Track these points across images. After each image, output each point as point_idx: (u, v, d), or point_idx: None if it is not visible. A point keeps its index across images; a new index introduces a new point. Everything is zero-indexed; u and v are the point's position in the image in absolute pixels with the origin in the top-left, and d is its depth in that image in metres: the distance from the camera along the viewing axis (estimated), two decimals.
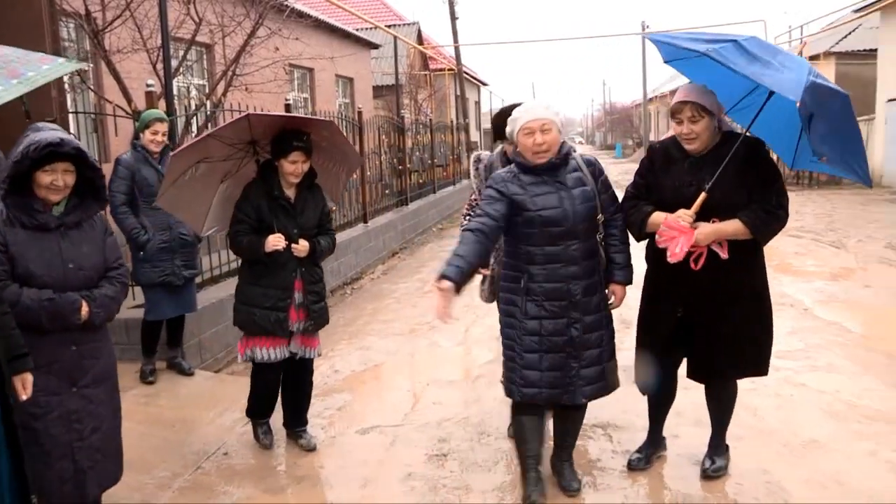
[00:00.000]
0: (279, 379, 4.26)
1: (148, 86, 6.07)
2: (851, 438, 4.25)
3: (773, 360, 3.71)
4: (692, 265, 3.42)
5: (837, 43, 22.08)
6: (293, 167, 3.94)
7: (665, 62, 3.82)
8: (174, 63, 7.16)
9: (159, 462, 4.21)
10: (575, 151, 3.63)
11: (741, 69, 3.11)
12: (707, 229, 3.37)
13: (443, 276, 3.16)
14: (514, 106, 4.05)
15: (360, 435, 4.61)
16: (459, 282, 3.22)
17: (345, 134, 10.10)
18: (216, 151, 4.00)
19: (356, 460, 4.25)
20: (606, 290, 3.61)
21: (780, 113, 3.55)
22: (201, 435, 4.63)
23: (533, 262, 3.44)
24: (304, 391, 4.39)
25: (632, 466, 3.94)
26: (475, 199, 4.25)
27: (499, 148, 4.19)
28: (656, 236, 3.45)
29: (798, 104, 3.02)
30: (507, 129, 3.58)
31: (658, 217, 3.47)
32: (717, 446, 3.86)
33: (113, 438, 3.24)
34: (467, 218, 4.25)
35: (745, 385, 3.83)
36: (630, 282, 3.63)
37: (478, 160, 4.32)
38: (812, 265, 9.43)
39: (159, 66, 6.80)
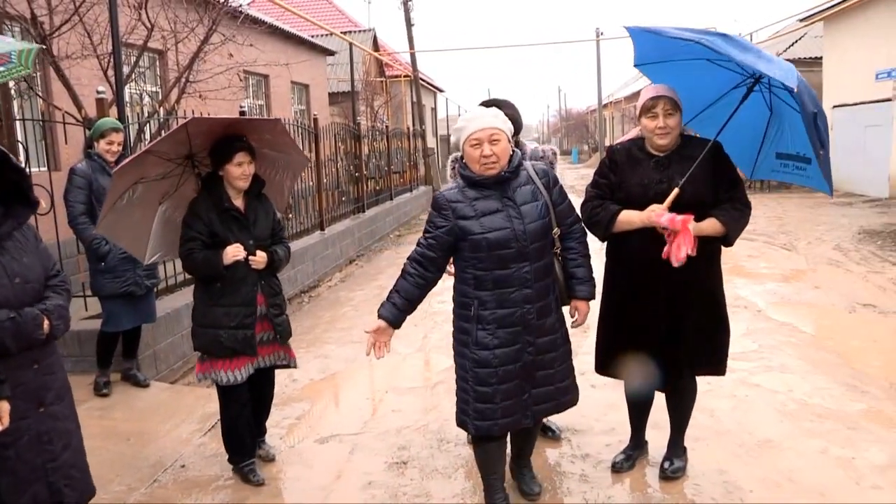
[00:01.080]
0: (248, 398, 4.02)
1: (99, 92, 5.96)
2: (804, 437, 4.34)
3: (729, 362, 3.78)
4: (663, 256, 3.38)
5: (785, 50, 22.63)
6: (240, 170, 3.76)
7: (635, 66, 3.83)
8: (126, 69, 7.04)
9: (114, 476, 4.11)
10: (554, 160, 3.45)
11: (736, 56, 3.15)
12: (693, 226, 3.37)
13: (380, 316, 3.29)
14: (494, 101, 3.87)
15: (320, 444, 4.57)
16: (394, 320, 3.29)
17: (295, 137, 10.08)
18: (153, 170, 3.78)
19: (316, 469, 4.21)
20: (569, 307, 3.49)
21: (745, 123, 3.65)
22: (158, 447, 4.54)
23: (482, 288, 3.25)
24: (266, 402, 4.28)
25: (615, 468, 3.96)
26: None
27: None
28: (666, 248, 3.36)
29: (795, 89, 3.07)
30: (452, 139, 3.37)
31: (627, 216, 3.48)
32: (676, 448, 3.92)
33: (82, 451, 3.12)
34: None
35: (701, 387, 3.89)
36: (593, 296, 3.49)
37: (455, 161, 4.22)
38: (764, 267, 9.63)
39: (110, 72, 6.68)
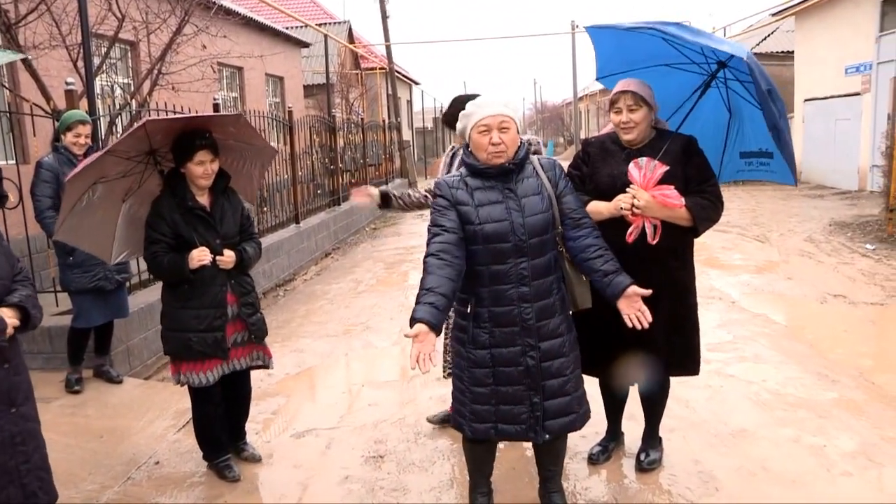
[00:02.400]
0: (220, 400, 3.96)
1: (68, 84, 5.85)
2: (777, 425, 4.39)
3: (703, 353, 3.80)
4: (627, 238, 3.40)
5: (758, 45, 22.84)
6: (201, 168, 3.65)
7: (597, 79, 3.92)
8: (96, 61, 6.93)
9: (86, 475, 4.06)
10: (539, 149, 3.25)
11: (690, 38, 3.21)
12: (649, 198, 3.38)
13: (413, 321, 2.80)
14: (469, 97, 3.78)
15: (296, 439, 4.54)
16: (434, 321, 2.80)
17: (270, 130, 10.01)
18: (112, 168, 3.63)
19: (292, 464, 4.19)
20: (630, 301, 3.13)
21: (707, 129, 3.72)
22: (131, 444, 4.49)
23: (478, 284, 3.09)
24: (244, 404, 4.20)
25: (592, 460, 3.97)
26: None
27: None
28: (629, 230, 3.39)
29: (745, 60, 3.12)
30: (459, 126, 3.22)
31: (596, 206, 3.47)
32: (651, 439, 3.94)
33: (46, 454, 3.01)
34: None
35: (676, 378, 3.91)
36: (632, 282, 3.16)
37: (452, 148, 4.19)
38: (738, 259, 9.72)
39: (80, 63, 6.57)
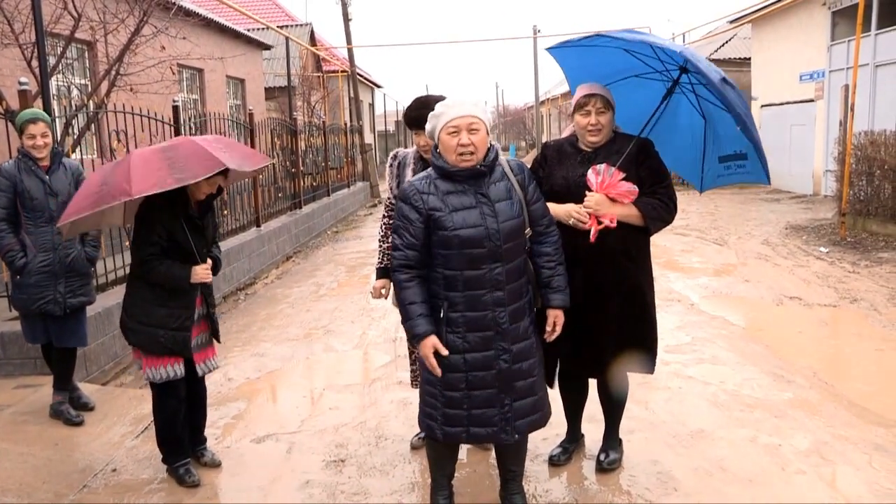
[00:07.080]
0: (185, 393, 3.95)
1: (21, 84, 5.71)
2: (734, 426, 4.46)
3: (662, 355, 3.86)
4: (591, 239, 3.45)
5: (716, 51, 23.21)
6: (210, 188, 3.79)
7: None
8: (52, 60, 6.79)
9: (40, 484, 3.97)
10: (503, 154, 3.28)
11: (630, 38, 3.33)
12: (600, 197, 3.44)
13: (424, 335, 3.05)
14: (430, 97, 3.78)
15: (256, 444, 4.50)
16: (434, 329, 3.07)
17: (230, 133, 9.89)
18: (109, 211, 3.80)
19: (252, 469, 4.14)
20: (547, 313, 3.30)
21: (685, 135, 3.80)
22: (87, 452, 4.40)
23: (452, 289, 3.08)
24: (201, 406, 4.17)
25: (553, 462, 3.99)
26: (390, 200, 4.12)
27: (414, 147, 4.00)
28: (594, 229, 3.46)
29: (679, 51, 3.28)
30: (428, 126, 3.17)
31: (551, 208, 3.46)
32: (611, 440, 3.97)
33: None
34: (385, 222, 4.06)
35: (636, 379, 3.96)
36: (569, 304, 3.32)
37: (394, 157, 4.12)
38: (697, 262, 9.87)
39: (35, 63, 6.43)
